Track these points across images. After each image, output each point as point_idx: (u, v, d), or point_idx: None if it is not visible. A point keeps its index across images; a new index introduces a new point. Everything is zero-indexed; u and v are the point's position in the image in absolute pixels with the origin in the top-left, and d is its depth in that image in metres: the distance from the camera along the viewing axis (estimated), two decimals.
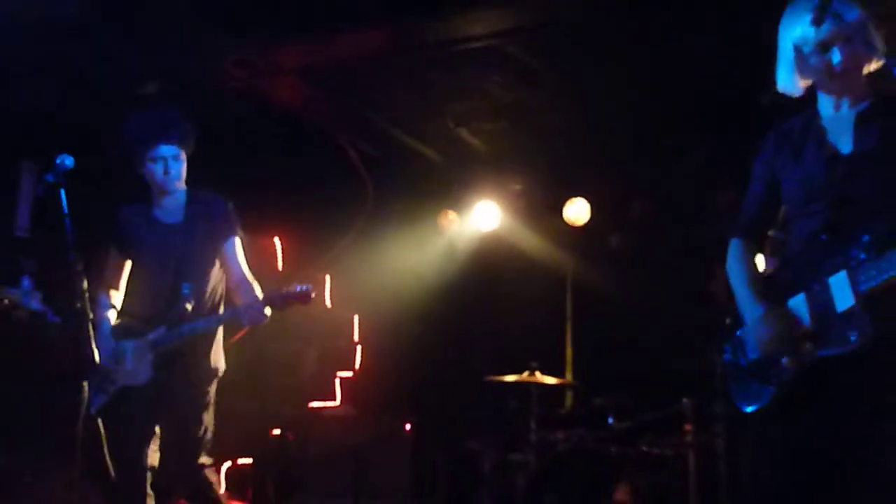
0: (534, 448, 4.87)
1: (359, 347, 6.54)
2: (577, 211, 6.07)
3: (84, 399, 2.76)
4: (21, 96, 5.03)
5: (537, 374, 4.91)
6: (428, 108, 5.49)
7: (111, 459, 3.23)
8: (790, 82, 2.35)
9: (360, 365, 6.49)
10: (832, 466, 2.14)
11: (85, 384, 2.80)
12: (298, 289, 3.26)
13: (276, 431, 6.00)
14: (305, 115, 5.43)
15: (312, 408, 6.06)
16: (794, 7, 2.28)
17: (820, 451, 2.16)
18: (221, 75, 4.66)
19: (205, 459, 3.39)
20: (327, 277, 6.66)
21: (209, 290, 3.49)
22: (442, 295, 6.18)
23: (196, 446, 3.36)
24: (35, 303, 4.52)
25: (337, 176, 6.21)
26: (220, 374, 3.51)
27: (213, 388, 3.47)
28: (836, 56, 2.19)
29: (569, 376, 6.07)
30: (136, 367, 3.29)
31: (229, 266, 3.51)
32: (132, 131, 3.47)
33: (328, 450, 5.29)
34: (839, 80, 2.25)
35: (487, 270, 6.45)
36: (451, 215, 6.46)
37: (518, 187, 6.42)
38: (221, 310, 3.54)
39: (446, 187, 6.44)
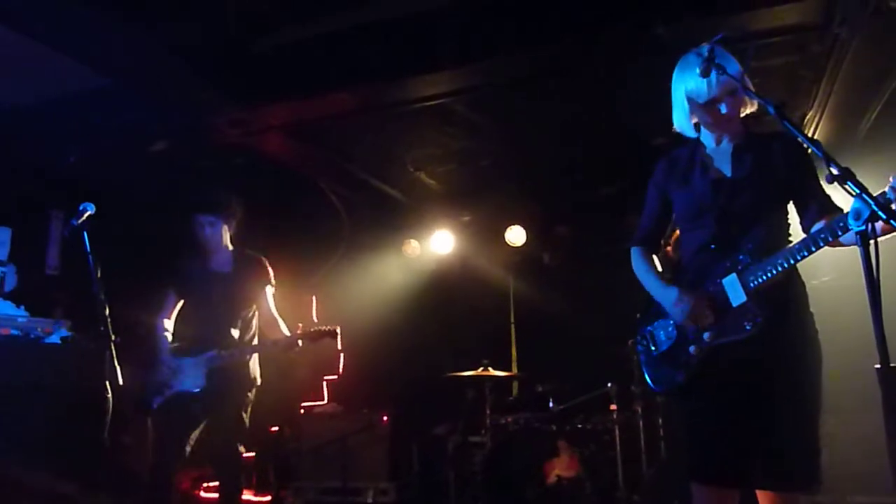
0: (489, 430, 4.82)
1: (342, 355, 6.44)
2: (516, 235, 6.09)
3: (108, 415, 2.74)
4: (49, 157, 4.88)
5: (489, 369, 4.87)
6: (391, 156, 5.46)
7: (153, 450, 3.37)
8: (685, 125, 2.33)
9: (344, 369, 6.39)
10: (736, 422, 2.11)
11: (109, 397, 2.78)
12: (328, 328, 3.54)
13: (275, 428, 5.85)
14: (291, 164, 5.35)
15: (304, 407, 5.92)
16: (686, 61, 2.26)
17: (725, 412, 2.14)
18: (219, 133, 4.56)
19: (241, 448, 3.56)
20: (314, 298, 6.57)
21: (248, 322, 3.66)
22: (408, 309, 6.11)
23: (236, 435, 3.53)
24: (65, 330, 4.36)
25: (318, 214, 6.15)
26: (258, 383, 3.64)
27: (252, 393, 3.61)
28: (723, 108, 2.19)
29: (515, 370, 6.04)
30: (192, 378, 3.43)
31: (263, 308, 3.70)
32: (185, 203, 3.67)
33: (319, 441, 5.15)
34: (725, 125, 2.25)
35: (444, 287, 6.40)
36: (413, 243, 6.42)
37: (467, 218, 6.41)
38: (255, 339, 3.70)
39: (408, 220, 6.40)
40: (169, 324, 3.66)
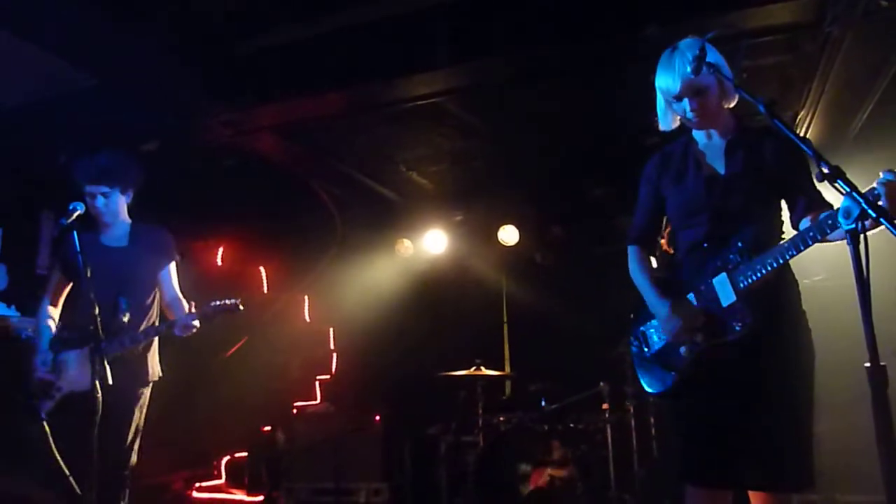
0: (481, 430, 4.80)
1: (334, 354, 6.42)
2: (509, 235, 6.07)
3: (97, 415, 2.55)
4: (40, 158, 4.85)
5: (482, 368, 4.85)
6: (383, 155, 5.44)
7: (63, 459, 2.84)
8: (665, 121, 2.34)
9: (336, 369, 6.37)
10: (728, 423, 2.11)
11: (98, 396, 2.54)
12: (228, 302, 3.09)
13: (267, 428, 5.83)
14: (283, 164, 5.32)
15: (297, 407, 5.90)
16: (661, 60, 2.26)
17: (717, 413, 2.13)
18: (211, 133, 4.53)
19: (132, 458, 3.07)
20: (306, 297, 6.55)
21: (146, 305, 3.22)
22: (401, 308, 6.09)
23: (124, 441, 3.02)
24: None
25: (311, 214, 6.12)
26: (156, 378, 3.21)
27: (147, 391, 3.17)
28: (687, 106, 2.19)
29: (507, 369, 6.02)
30: (80, 375, 2.91)
31: (164, 286, 3.29)
32: (74, 173, 3.21)
33: (311, 441, 5.13)
34: (696, 123, 2.25)
35: (437, 286, 6.37)
36: (406, 242, 6.40)
37: (459, 217, 6.39)
38: (157, 323, 3.27)
39: (401, 220, 6.37)
40: (54, 311, 3.21)
